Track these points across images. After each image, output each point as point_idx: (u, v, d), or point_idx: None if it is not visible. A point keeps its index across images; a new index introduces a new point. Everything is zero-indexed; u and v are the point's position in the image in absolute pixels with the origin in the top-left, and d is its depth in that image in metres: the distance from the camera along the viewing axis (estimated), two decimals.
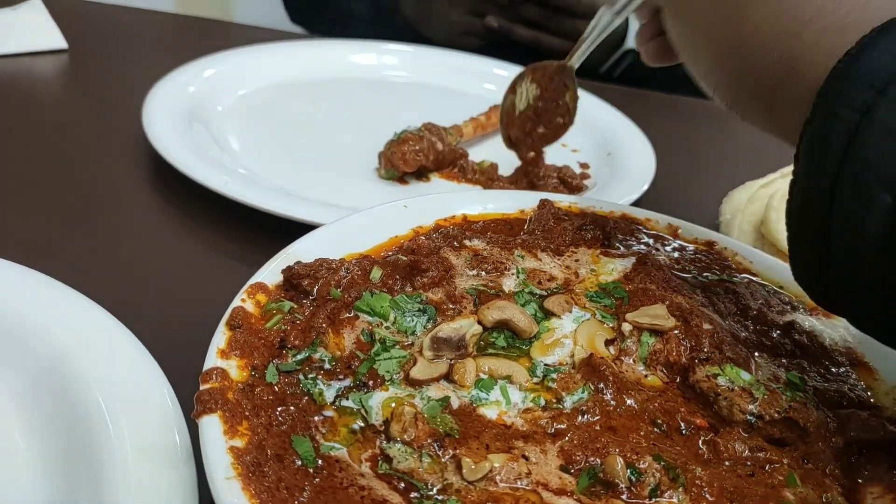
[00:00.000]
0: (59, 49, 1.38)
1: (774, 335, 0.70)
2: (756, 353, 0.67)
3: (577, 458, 0.54)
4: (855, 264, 0.51)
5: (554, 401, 0.60)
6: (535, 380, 0.62)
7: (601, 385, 0.61)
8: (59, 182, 1.00)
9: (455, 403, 0.58)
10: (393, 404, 0.57)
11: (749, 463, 0.56)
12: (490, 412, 0.58)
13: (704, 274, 0.78)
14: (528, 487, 0.51)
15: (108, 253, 0.88)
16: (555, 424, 0.57)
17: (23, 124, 1.14)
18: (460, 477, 0.51)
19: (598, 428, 0.57)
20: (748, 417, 0.59)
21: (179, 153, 0.96)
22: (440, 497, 0.50)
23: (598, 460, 0.54)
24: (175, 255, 0.90)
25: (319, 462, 0.51)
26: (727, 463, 0.56)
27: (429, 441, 0.53)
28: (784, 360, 0.67)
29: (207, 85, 1.22)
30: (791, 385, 0.63)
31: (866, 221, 0.49)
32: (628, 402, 0.60)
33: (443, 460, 0.52)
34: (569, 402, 0.60)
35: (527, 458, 0.54)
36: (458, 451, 0.53)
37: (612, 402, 0.59)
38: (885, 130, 0.48)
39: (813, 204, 0.53)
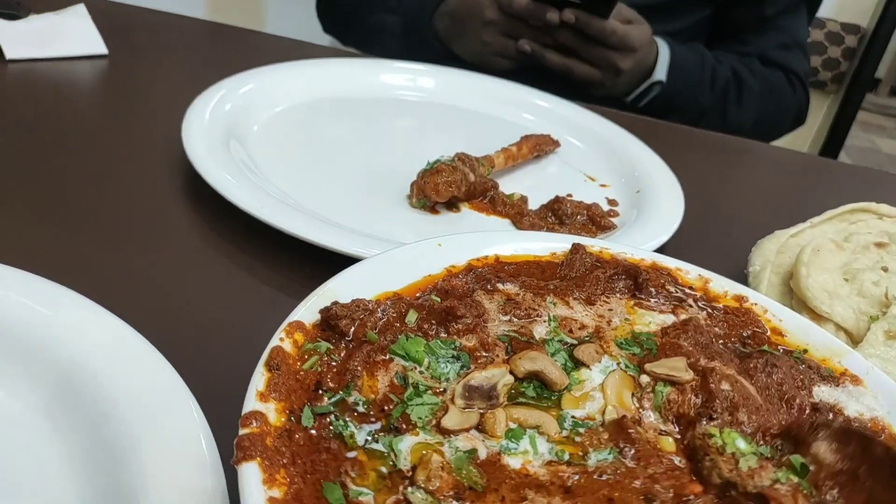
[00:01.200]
0: (99, 55, 1.40)
1: (804, 412, 0.69)
2: (777, 429, 0.67)
3: None
4: None
5: (579, 454, 0.61)
6: (564, 432, 0.63)
7: (625, 447, 0.61)
8: (94, 195, 1.02)
9: (483, 454, 0.59)
10: (424, 452, 0.57)
11: None
12: (515, 462, 0.59)
13: (745, 347, 0.78)
14: None
15: (140, 272, 0.89)
16: (573, 478, 0.58)
17: (60, 131, 1.16)
18: None
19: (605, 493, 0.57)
20: (722, 482, 0.59)
21: (217, 173, 0.97)
22: None
23: None
24: (208, 277, 0.91)
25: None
26: None
27: (450, 493, 0.54)
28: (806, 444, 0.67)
29: (244, 101, 1.23)
30: (792, 469, 0.63)
31: None
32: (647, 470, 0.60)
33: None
34: (593, 459, 0.60)
35: None
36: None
37: (630, 466, 0.60)
38: None
39: None
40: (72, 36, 1.37)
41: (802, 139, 2.77)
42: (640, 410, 0.66)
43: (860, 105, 2.64)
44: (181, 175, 1.06)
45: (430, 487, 0.54)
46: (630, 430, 0.62)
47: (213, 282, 0.91)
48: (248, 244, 0.95)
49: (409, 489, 0.54)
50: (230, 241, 0.96)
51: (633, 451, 0.61)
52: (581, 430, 0.63)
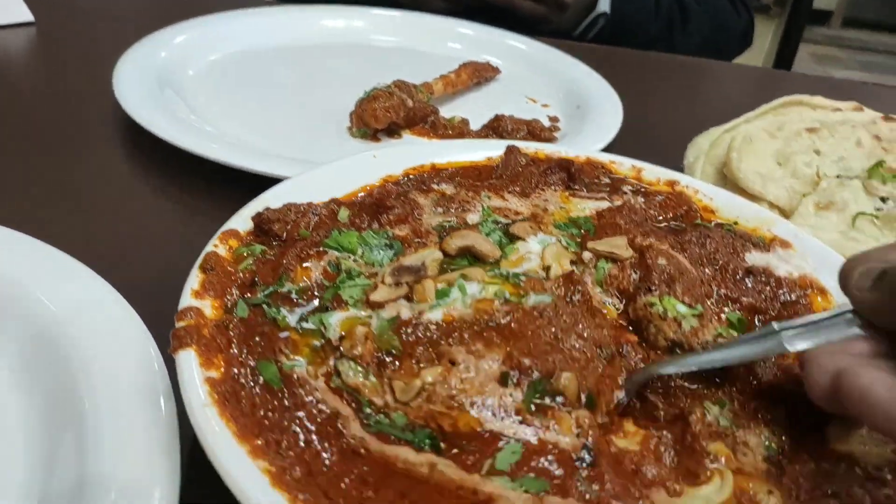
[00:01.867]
0: (25, 22, 1.37)
1: (736, 279, 0.72)
2: (714, 295, 0.70)
3: (524, 364, 0.55)
4: None
5: (517, 295, 0.62)
6: (496, 273, 0.64)
7: (572, 295, 0.63)
8: (33, 149, 1.01)
9: (405, 315, 0.59)
10: (359, 324, 0.59)
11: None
12: (435, 314, 0.59)
13: (679, 224, 0.80)
14: (464, 402, 0.53)
15: (83, 212, 0.90)
16: (506, 318, 0.58)
17: None
18: (394, 398, 0.53)
19: (547, 335, 0.58)
20: (670, 344, 0.62)
21: (149, 115, 0.97)
22: (384, 413, 0.53)
23: (538, 373, 0.55)
24: (149, 212, 0.92)
25: (286, 381, 0.54)
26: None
27: (376, 356, 0.56)
28: (740, 302, 0.69)
29: (179, 50, 1.22)
30: (730, 324, 0.66)
31: None
32: (581, 326, 0.62)
33: (384, 380, 0.54)
34: (533, 299, 0.61)
35: (456, 365, 0.54)
36: (391, 371, 0.54)
37: (569, 318, 0.61)
38: None
39: None
40: None
41: (752, 63, 2.80)
42: (583, 277, 0.67)
43: (804, 26, 2.67)
44: (118, 123, 1.05)
45: (354, 354, 0.56)
46: (577, 283, 0.64)
47: (153, 216, 0.91)
48: (187, 182, 0.95)
49: (339, 359, 0.56)
50: (170, 180, 0.96)
51: (578, 297, 0.63)
52: (522, 277, 0.64)
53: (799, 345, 0.53)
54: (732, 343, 0.58)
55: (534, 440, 0.52)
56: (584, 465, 0.51)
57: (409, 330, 0.56)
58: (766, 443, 0.55)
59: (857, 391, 0.45)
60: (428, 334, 0.56)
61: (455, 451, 0.51)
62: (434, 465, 0.49)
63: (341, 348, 0.56)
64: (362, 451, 0.50)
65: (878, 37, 6.17)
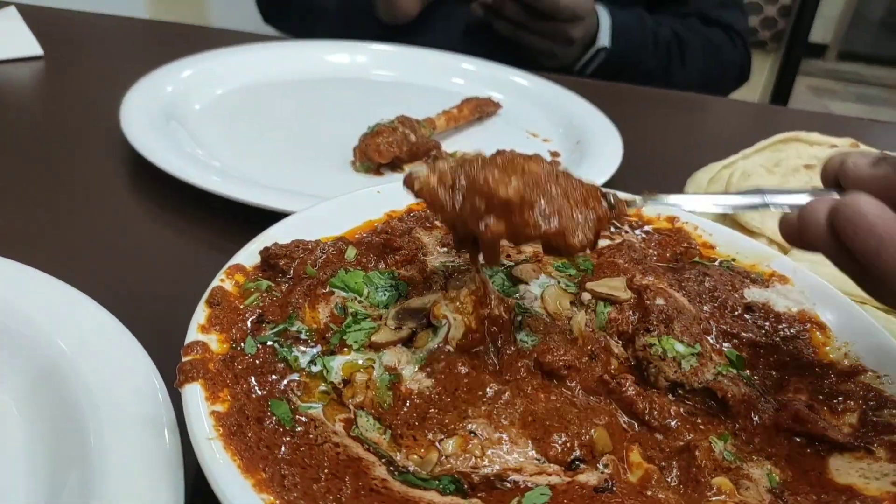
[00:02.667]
0: (34, 56, 1.40)
1: (735, 315, 0.73)
2: (714, 332, 0.70)
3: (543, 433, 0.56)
4: None
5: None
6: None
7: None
8: (40, 181, 1.02)
9: (407, 372, 0.60)
10: (359, 370, 0.60)
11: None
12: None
13: (678, 262, 0.81)
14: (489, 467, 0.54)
15: (90, 245, 0.91)
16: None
17: (2, 129, 1.16)
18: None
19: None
20: (669, 385, 0.63)
21: (155, 148, 0.99)
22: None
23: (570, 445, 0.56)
24: (155, 246, 0.93)
25: (298, 421, 0.54)
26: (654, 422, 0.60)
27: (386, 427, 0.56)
28: (739, 338, 0.70)
29: (185, 85, 1.25)
30: (730, 362, 0.67)
31: None
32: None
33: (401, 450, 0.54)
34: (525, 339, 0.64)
35: (476, 435, 0.55)
36: (406, 448, 0.54)
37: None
38: None
39: None
40: (5, 38, 1.37)
41: (749, 98, 2.84)
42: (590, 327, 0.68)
43: (800, 60, 2.71)
44: (124, 157, 1.07)
45: (355, 402, 0.57)
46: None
47: (158, 250, 0.92)
48: (193, 216, 0.96)
49: (359, 411, 0.56)
50: (175, 214, 0.98)
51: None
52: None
53: (781, 200, 0.56)
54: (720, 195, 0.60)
55: (562, 483, 0.53)
56: (605, 492, 0.52)
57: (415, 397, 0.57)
58: (769, 476, 0.55)
59: (852, 213, 0.48)
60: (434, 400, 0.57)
61: (482, 494, 0.52)
62: None
63: (343, 394, 0.57)
64: (383, 490, 0.51)
65: (872, 70, 6.24)
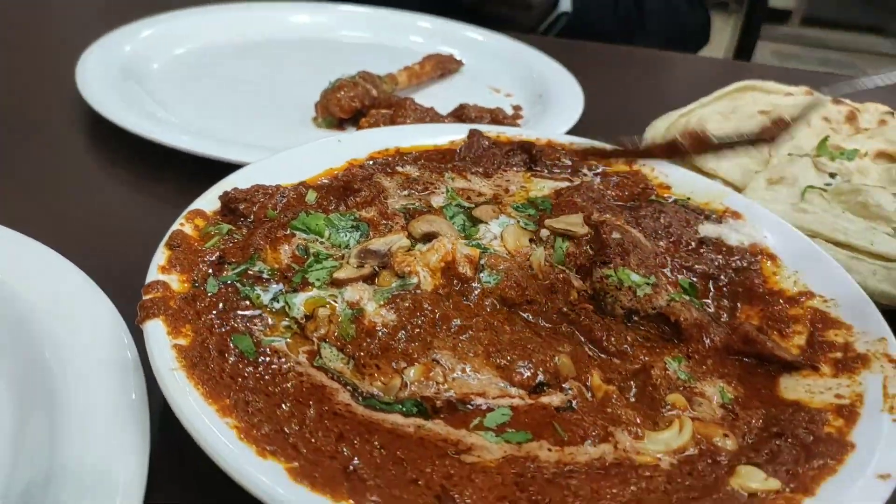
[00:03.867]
0: None
1: (689, 249, 0.75)
2: (669, 265, 0.72)
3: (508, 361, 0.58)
4: None
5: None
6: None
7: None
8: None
9: (370, 307, 0.60)
10: (322, 305, 0.61)
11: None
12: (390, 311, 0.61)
13: (635, 202, 0.82)
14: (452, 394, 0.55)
15: (50, 200, 0.90)
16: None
17: None
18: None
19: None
20: (626, 312, 0.65)
21: (111, 104, 0.98)
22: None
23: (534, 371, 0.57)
24: (115, 200, 0.92)
25: (262, 353, 0.55)
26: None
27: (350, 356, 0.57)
28: (693, 271, 0.72)
29: (143, 45, 1.23)
30: (683, 290, 0.69)
31: None
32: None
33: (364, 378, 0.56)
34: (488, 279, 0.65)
35: (439, 363, 0.56)
36: (369, 376, 0.55)
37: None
38: None
39: None
40: None
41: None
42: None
43: (762, 22, 2.74)
44: (82, 115, 1.05)
45: (318, 335, 0.58)
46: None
47: (118, 203, 0.92)
48: (152, 172, 0.95)
49: (322, 343, 0.57)
50: (134, 171, 0.97)
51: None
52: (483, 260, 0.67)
53: None
54: None
55: (524, 405, 0.54)
56: (566, 411, 0.54)
57: (378, 332, 0.58)
58: (721, 393, 0.58)
59: None
60: (399, 335, 0.58)
61: (444, 415, 0.53)
62: (421, 426, 0.52)
63: (305, 327, 0.58)
64: (347, 414, 0.52)
65: (836, 35, 6.32)
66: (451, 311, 0.61)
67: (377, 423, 0.51)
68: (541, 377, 0.57)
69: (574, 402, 0.55)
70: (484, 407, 0.54)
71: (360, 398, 0.54)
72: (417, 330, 0.58)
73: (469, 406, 0.54)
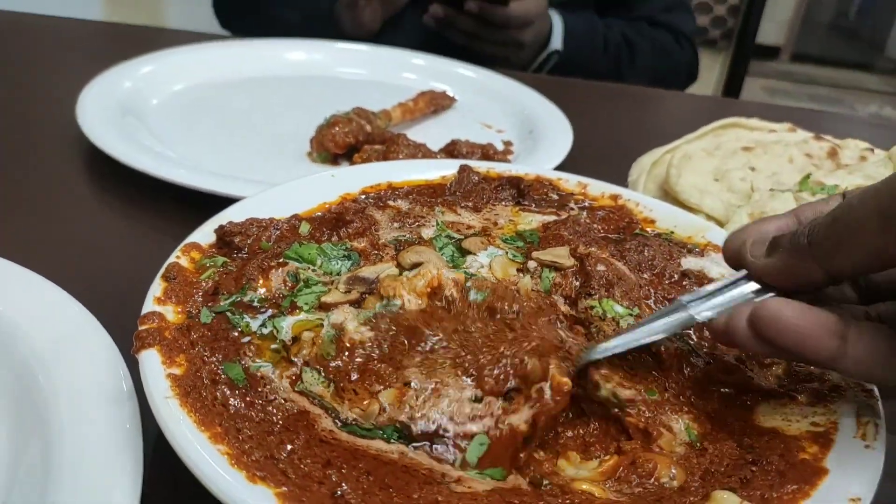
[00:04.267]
0: None
1: (672, 281, 0.77)
2: (653, 297, 0.74)
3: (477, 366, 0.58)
4: None
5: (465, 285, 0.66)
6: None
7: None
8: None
9: (350, 325, 0.61)
10: (308, 328, 0.62)
11: None
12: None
13: (620, 235, 0.85)
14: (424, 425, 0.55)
15: (47, 232, 0.92)
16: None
17: None
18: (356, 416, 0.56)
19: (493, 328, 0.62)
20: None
21: (110, 139, 1.00)
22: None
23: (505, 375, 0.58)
24: (112, 234, 0.94)
25: (250, 379, 0.56)
26: None
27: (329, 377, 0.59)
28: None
29: (143, 81, 1.26)
30: None
31: None
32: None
33: (343, 403, 0.57)
34: (473, 295, 0.65)
35: (410, 386, 0.57)
36: (349, 400, 0.57)
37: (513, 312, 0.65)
38: None
39: None
40: None
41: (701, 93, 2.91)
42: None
43: (749, 57, 2.81)
44: (81, 150, 1.08)
45: (301, 356, 0.59)
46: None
47: (115, 237, 0.94)
48: (149, 206, 0.97)
49: (304, 367, 0.59)
50: (132, 205, 0.99)
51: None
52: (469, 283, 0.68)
53: (706, 313, 0.57)
54: (648, 320, 0.61)
55: (493, 430, 0.56)
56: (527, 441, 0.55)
57: (358, 347, 0.59)
58: (687, 430, 0.59)
59: (770, 317, 0.51)
60: (377, 350, 0.59)
61: (425, 443, 0.54)
62: (404, 454, 0.53)
63: (290, 350, 0.59)
64: (332, 441, 0.53)
65: (824, 71, 6.43)
66: (429, 321, 0.62)
67: (362, 450, 0.53)
68: (511, 383, 0.58)
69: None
70: (458, 433, 0.55)
71: (340, 424, 0.55)
72: (391, 348, 0.59)
73: (446, 438, 0.55)
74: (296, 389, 0.57)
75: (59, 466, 0.54)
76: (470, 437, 0.55)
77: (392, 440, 0.54)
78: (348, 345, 0.59)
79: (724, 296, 0.57)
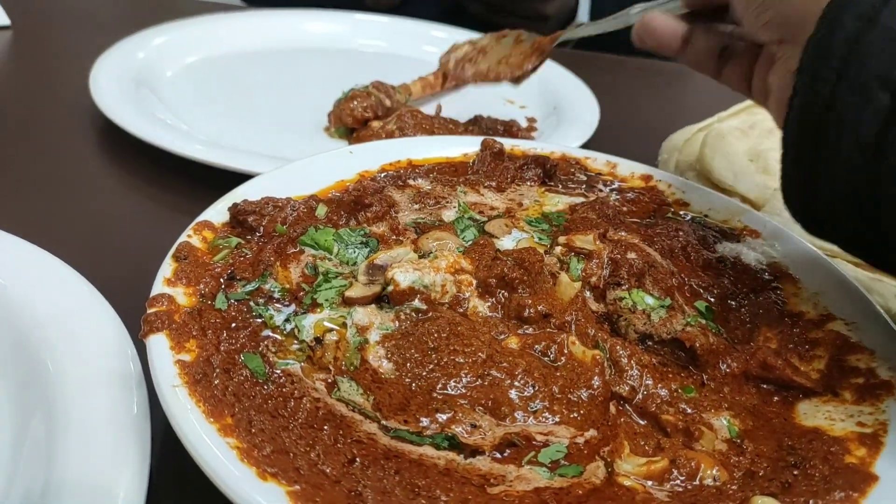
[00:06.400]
0: (2, 26, 1.37)
1: (706, 268, 0.73)
2: (686, 285, 0.71)
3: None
4: (846, 169, 0.52)
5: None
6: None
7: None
8: (8, 147, 1.01)
9: (374, 338, 0.58)
10: (326, 324, 0.59)
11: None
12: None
13: (651, 218, 0.81)
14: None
15: (59, 208, 0.90)
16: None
17: None
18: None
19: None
20: (640, 336, 0.63)
21: (125, 113, 0.97)
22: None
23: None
24: (124, 209, 0.92)
25: (273, 374, 0.54)
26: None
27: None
28: (710, 291, 0.70)
29: (157, 52, 1.23)
30: (699, 313, 0.67)
31: (862, 121, 0.50)
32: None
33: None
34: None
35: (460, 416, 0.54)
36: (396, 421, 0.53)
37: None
38: (888, 33, 0.49)
39: (811, 112, 0.53)
40: None
41: None
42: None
43: None
44: (94, 122, 1.05)
45: (325, 361, 0.56)
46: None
47: (127, 212, 0.91)
48: (162, 180, 0.95)
49: (340, 378, 0.55)
50: (145, 179, 0.97)
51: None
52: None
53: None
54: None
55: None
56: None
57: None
58: (729, 427, 0.56)
59: (645, 23, 0.81)
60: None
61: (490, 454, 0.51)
62: (454, 461, 0.50)
63: (315, 354, 0.57)
64: (367, 441, 0.50)
65: None
66: (458, 346, 0.57)
67: (403, 453, 0.50)
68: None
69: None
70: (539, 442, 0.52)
71: (387, 431, 0.52)
72: (425, 377, 0.55)
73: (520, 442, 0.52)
74: (333, 396, 0.54)
75: (63, 450, 0.52)
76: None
77: (442, 447, 0.51)
78: (373, 368, 0.55)
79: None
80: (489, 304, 0.63)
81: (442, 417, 0.52)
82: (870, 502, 0.47)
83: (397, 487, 0.46)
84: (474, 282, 0.63)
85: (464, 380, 0.54)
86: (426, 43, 1.46)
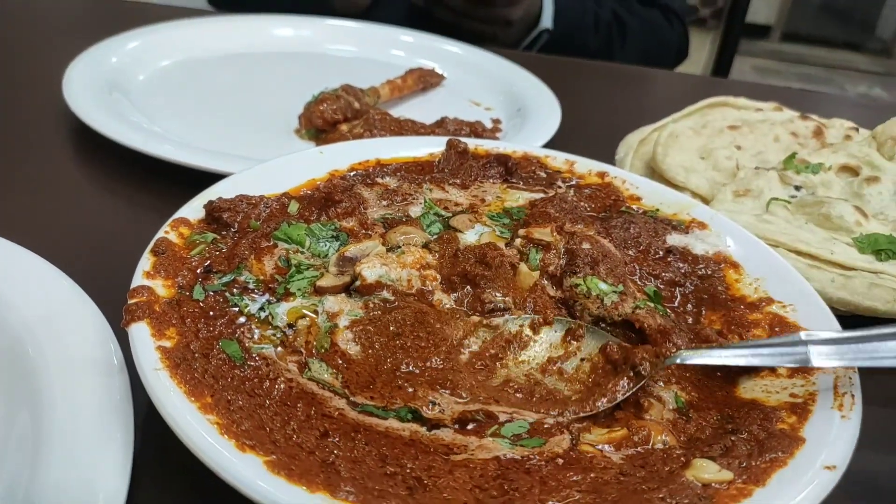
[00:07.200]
0: None
1: (657, 257, 0.78)
2: (638, 273, 0.76)
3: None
4: None
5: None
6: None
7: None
8: None
9: (343, 322, 0.63)
10: (302, 310, 0.63)
11: None
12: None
13: (606, 212, 0.85)
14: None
15: (35, 207, 0.92)
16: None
17: None
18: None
19: None
20: (593, 320, 0.68)
21: (97, 115, 1.00)
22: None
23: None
24: (100, 209, 0.94)
25: (249, 359, 0.57)
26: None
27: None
28: (660, 278, 0.75)
29: (129, 57, 1.25)
30: (648, 297, 0.72)
31: None
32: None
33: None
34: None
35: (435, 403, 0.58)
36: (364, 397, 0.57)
37: None
38: None
39: None
40: None
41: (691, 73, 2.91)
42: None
43: (739, 36, 2.80)
44: (67, 125, 1.08)
45: (297, 344, 0.60)
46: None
47: (102, 212, 0.94)
48: (136, 181, 0.97)
49: (311, 359, 0.59)
50: (115, 177, 0.99)
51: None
52: None
53: (824, 361, 0.58)
54: (760, 343, 0.62)
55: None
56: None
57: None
58: (675, 398, 0.61)
59: None
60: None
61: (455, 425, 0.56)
62: (417, 432, 0.54)
63: (289, 338, 0.60)
64: (336, 416, 0.54)
65: (815, 51, 6.43)
66: (422, 332, 0.62)
67: (369, 426, 0.54)
68: None
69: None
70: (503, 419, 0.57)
71: (355, 406, 0.56)
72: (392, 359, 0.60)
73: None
74: (304, 376, 0.58)
75: (49, 438, 0.55)
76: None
77: (406, 420, 0.55)
78: (341, 350, 0.60)
79: (850, 346, 0.58)
80: (455, 297, 0.67)
81: (404, 394, 0.56)
82: (796, 461, 0.52)
83: (367, 457, 0.50)
84: (438, 277, 0.68)
85: (427, 363, 0.59)
86: (394, 47, 1.51)
